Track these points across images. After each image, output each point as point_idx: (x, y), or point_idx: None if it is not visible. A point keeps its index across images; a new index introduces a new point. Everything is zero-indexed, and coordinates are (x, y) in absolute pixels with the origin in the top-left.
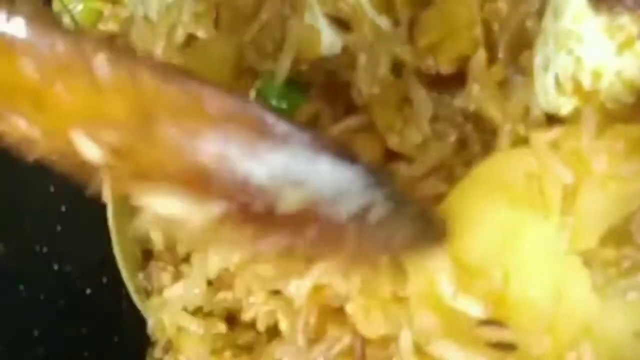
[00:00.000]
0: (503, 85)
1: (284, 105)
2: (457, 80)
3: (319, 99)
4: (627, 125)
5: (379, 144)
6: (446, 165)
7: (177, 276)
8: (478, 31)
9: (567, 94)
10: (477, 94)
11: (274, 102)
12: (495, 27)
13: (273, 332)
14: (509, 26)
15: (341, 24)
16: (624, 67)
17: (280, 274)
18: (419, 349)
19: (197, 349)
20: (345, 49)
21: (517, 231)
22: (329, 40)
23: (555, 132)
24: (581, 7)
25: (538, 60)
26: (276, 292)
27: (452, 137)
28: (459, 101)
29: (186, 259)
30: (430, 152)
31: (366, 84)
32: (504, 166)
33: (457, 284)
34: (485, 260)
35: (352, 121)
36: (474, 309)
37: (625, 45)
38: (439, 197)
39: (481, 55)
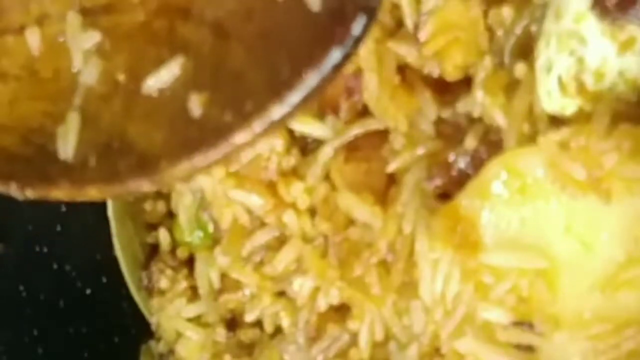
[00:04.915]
0: (508, 89)
1: None
2: (461, 84)
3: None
4: (634, 125)
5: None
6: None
7: (174, 281)
8: (483, 38)
9: (571, 95)
10: (482, 100)
11: None
12: (500, 32)
13: (275, 331)
14: (514, 32)
15: None
16: (627, 67)
17: (285, 273)
18: (437, 351)
19: (197, 354)
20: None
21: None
22: None
23: (564, 132)
24: (582, 7)
25: (540, 62)
26: (281, 294)
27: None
28: (462, 106)
29: (186, 262)
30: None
31: (373, 86)
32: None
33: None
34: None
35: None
36: (500, 316)
37: (626, 45)
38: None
39: (487, 62)
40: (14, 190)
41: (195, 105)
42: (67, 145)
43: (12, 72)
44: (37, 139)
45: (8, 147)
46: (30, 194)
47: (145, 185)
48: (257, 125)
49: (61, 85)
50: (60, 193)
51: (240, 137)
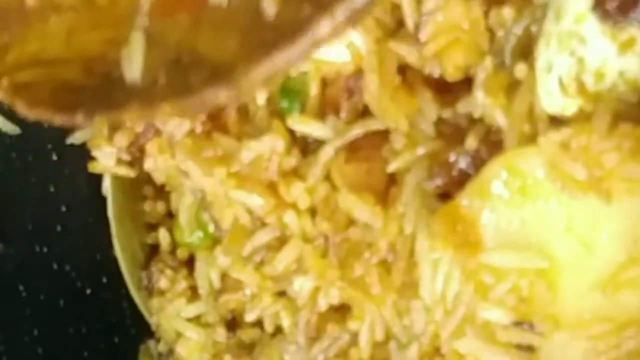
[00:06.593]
0: (508, 89)
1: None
2: (461, 85)
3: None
4: (635, 125)
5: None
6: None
7: (174, 281)
8: (483, 38)
9: (572, 95)
10: (483, 101)
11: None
12: (500, 33)
13: (275, 331)
14: (515, 32)
15: None
16: (627, 67)
17: (285, 272)
18: (437, 351)
19: (197, 354)
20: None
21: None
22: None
23: (565, 132)
24: (582, 8)
25: (541, 63)
26: (281, 294)
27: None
28: (462, 106)
29: (186, 262)
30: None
31: (374, 87)
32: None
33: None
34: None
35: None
36: (500, 316)
37: (627, 46)
38: (448, 197)
39: (488, 63)
40: (80, 120)
41: (270, 4)
42: (133, 67)
43: (66, 2)
44: (100, 68)
45: (71, 79)
46: (98, 120)
47: (222, 94)
48: (340, 13)
49: (120, 9)
50: (131, 115)
51: (322, 27)
